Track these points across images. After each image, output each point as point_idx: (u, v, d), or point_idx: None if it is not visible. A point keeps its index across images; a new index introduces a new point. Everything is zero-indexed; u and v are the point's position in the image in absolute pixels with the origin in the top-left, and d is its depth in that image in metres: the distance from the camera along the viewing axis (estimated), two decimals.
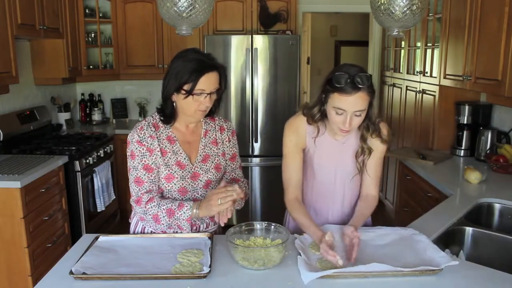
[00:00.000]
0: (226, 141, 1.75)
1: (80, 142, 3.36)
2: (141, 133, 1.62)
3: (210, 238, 1.61)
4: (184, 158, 1.65)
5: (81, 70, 4.01)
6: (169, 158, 1.63)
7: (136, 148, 1.61)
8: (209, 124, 1.73)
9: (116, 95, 4.67)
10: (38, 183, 2.64)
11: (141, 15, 4.26)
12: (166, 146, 1.64)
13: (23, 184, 2.47)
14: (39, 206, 2.66)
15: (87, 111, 4.46)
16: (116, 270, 1.40)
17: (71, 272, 1.35)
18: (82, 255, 1.48)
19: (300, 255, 1.46)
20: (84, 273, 1.36)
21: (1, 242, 2.53)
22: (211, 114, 1.70)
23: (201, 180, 1.67)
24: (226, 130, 1.76)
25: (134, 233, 1.77)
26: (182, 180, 1.64)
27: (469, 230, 1.85)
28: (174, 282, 1.34)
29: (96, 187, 3.28)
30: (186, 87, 1.54)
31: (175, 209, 1.56)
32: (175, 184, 1.63)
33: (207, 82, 1.54)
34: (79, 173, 3.09)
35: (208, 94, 1.56)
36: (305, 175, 1.78)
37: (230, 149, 1.76)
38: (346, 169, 1.74)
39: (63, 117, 4.11)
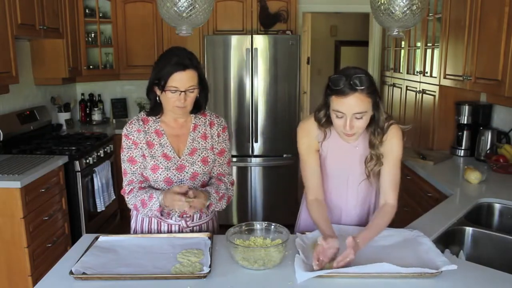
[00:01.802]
0: (215, 136, 1.77)
1: (80, 142, 3.36)
2: (129, 127, 1.73)
3: (210, 238, 1.62)
4: (170, 151, 1.71)
5: (81, 70, 4.01)
6: (156, 150, 1.70)
7: (124, 142, 1.73)
8: (199, 119, 1.78)
9: (116, 95, 4.67)
10: (38, 183, 2.64)
11: (141, 15, 4.26)
12: (153, 139, 1.72)
13: (23, 184, 2.47)
14: (39, 206, 2.66)
15: (87, 111, 4.46)
16: (116, 270, 1.40)
17: (71, 272, 1.35)
18: (82, 255, 1.48)
19: (299, 253, 1.46)
20: (84, 273, 1.36)
21: (1, 242, 2.53)
22: (199, 110, 1.75)
23: (187, 172, 1.71)
24: (217, 125, 1.79)
25: (135, 225, 1.81)
26: (167, 171, 1.69)
27: (469, 230, 1.85)
28: (174, 282, 1.34)
29: (96, 187, 3.28)
30: (161, 82, 1.61)
31: (146, 200, 1.64)
32: (160, 174, 1.69)
33: (180, 80, 1.59)
34: (79, 173, 3.09)
35: (182, 91, 1.60)
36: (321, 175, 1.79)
37: (219, 144, 1.78)
38: (358, 173, 1.71)
39: (63, 117, 4.11)
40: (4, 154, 3.00)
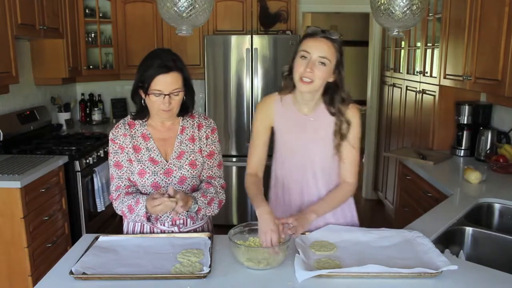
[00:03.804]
0: (204, 138, 1.74)
1: (80, 142, 3.36)
2: (115, 132, 1.70)
3: (210, 238, 1.62)
4: (157, 155, 1.68)
5: (81, 70, 4.01)
6: (143, 154, 1.68)
7: (111, 146, 1.70)
8: (187, 121, 1.75)
9: (116, 95, 4.67)
10: (38, 183, 2.64)
11: (141, 15, 4.26)
12: (140, 143, 1.69)
13: (23, 184, 2.47)
14: (39, 206, 2.66)
15: (87, 111, 4.46)
16: (116, 270, 1.40)
17: (71, 272, 1.35)
18: (82, 255, 1.48)
19: (299, 253, 1.46)
20: (84, 273, 1.36)
21: (1, 242, 2.53)
22: (186, 112, 1.72)
23: (175, 176, 1.68)
24: (205, 127, 1.76)
25: (127, 230, 1.79)
26: (154, 176, 1.66)
27: (469, 230, 1.85)
28: (174, 282, 1.34)
29: (96, 187, 3.28)
30: (145, 85, 1.58)
31: (133, 205, 1.61)
32: (147, 179, 1.66)
33: (163, 83, 1.56)
34: (79, 173, 3.09)
35: (166, 95, 1.57)
36: (276, 153, 1.83)
37: (208, 147, 1.75)
38: (316, 146, 1.75)
39: (63, 117, 4.11)
40: (4, 154, 3.01)
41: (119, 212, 1.70)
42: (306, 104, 1.72)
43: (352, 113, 1.71)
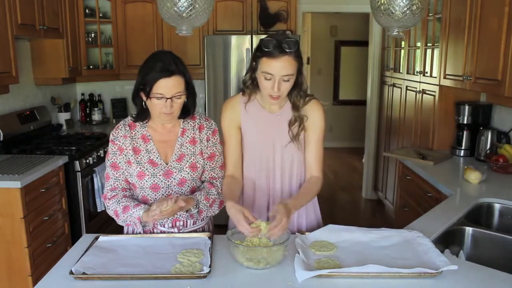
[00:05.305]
0: (204, 140, 1.73)
1: (80, 142, 3.36)
2: (115, 133, 1.70)
3: (210, 238, 1.62)
4: (157, 157, 1.68)
5: (81, 70, 4.01)
6: (142, 156, 1.67)
7: (110, 147, 1.70)
8: (188, 123, 1.74)
9: (116, 95, 4.67)
10: (38, 183, 2.64)
11: (141, 15, 4.26)
12: (140, 145, 1.69)
13: (23, 184, 2.47)
14: (39, 206, 2.66)
15: (87, 111, 4.46)
16: (116, 270, 1.40)
17: (71, 272, 1.35)
18: (82, 255, 1.48)
19: (299, 253, 1.46)
20: (84, 273, 1.36)
21: (1, 242, 2.53)
22: (187, 114, 1.71)
23: (174, 178, 1.68)
24: (206, 129, 1.75)
25: (127, 230, 1.79)
26: (154, 177, 1.66)
27: (469, 230, 1.85)
28: (174, 282, 1.34)
29: (96, 187, 3.28)
30: (147, 89, 1.57)
31: (131, 206, 1.61)
32: (146, 181, 1.66)
33: (165, 87, 1.55)
34: (79, 173, 3.09)
35: (168, 98, 1.56)
36: (245, 152, 1.82)
37: (209, 149, 1.74)
38: (284, 143, 1.76)
39: (63, 117, 4.11)
40: (4, 154, 3.01)
41: (110, 212, 1.69)
42: (274, 104, 1.75)
43: (311, 108, 1.74)
